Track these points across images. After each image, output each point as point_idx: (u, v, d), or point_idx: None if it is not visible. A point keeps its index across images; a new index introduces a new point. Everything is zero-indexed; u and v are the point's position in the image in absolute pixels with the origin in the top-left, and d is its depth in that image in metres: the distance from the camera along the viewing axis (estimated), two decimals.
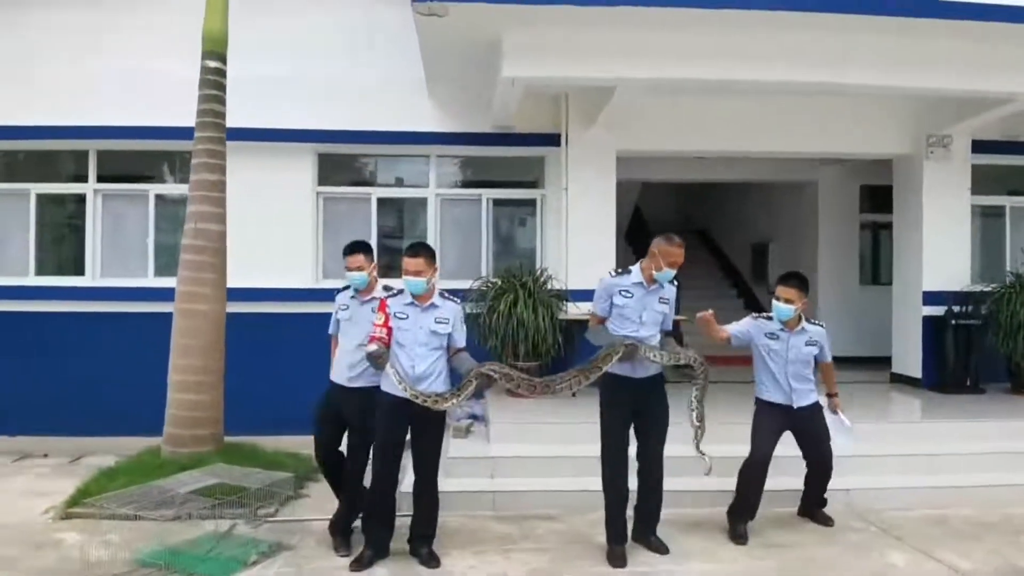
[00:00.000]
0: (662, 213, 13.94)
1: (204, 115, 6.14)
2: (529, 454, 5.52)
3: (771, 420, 4.70)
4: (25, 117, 7.52)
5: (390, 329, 4.12)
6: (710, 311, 4.59)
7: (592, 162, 7.57)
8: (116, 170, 8.04)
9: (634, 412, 4.35)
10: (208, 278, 6.07)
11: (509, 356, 6.72)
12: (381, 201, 8.19)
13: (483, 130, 7.75)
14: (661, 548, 4.42)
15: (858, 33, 5.96)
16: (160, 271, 7.89)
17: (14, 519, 4.98)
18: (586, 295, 6.89)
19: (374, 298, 4.40)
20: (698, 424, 4.37)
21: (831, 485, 4.91)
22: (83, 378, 7.52)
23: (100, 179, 8.00)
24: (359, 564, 4.16)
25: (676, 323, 5.07)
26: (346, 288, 4.56)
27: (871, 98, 7.49)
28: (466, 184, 8.31)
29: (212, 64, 6.16)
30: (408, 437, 4.28)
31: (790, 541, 4.66)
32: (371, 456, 4.32)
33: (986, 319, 7.49)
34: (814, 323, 4.81)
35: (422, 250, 4.22)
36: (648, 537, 4.47)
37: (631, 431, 4.38)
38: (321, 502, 5.00)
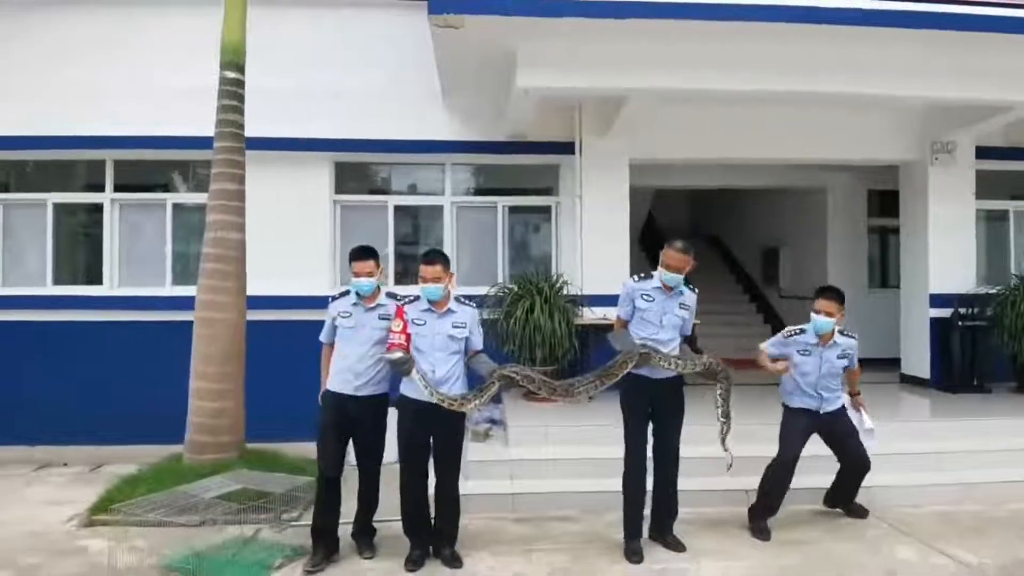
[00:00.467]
0: (674, 219, 14.06)
1: (223, 125, 6.20)
2: (547, 457, 5.59)
3: (800, 422, 4.79)
4: (42, 127, 7.53)
5: (409, 336, 4.15)
6: (760, 353, 4.81)
7: (606, 170, 7.63)
8: (133, 179, 8.08)
9: (652, 411, 4.45)
10: (228, 286, 6.12)
11: (527, 361, 6.75)
12: (398, 209, 8.24)
13: (498, 139, 7.80)
14: (678, 546, 4.50)
15: (864, 45, 6.06)
16: (177, 280, 7.92)
17: (37, 527, 4.99)
18: (600, 300, 7.03)
19: (379, 305, 4.36)
20: (723, 420, 4.48)
21: None
22: (101, 387, 7.52)
23: (117, 188, 8.03)
24: (414, 565, 4.27)
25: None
26: (344, 294, 4.41)
27: (877, 106, 7.58)
28: (481, 192, 8.36)
29: (231, 75, 6.20)
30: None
31: (805, 538, 4.73)
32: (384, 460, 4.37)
33: (992, 320, 7.57)
34: (847, 335, 4.86)
35: (438, 258, 4.28)
36: (665, 535, 4.55)
37: (649, 430, 4.48)
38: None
